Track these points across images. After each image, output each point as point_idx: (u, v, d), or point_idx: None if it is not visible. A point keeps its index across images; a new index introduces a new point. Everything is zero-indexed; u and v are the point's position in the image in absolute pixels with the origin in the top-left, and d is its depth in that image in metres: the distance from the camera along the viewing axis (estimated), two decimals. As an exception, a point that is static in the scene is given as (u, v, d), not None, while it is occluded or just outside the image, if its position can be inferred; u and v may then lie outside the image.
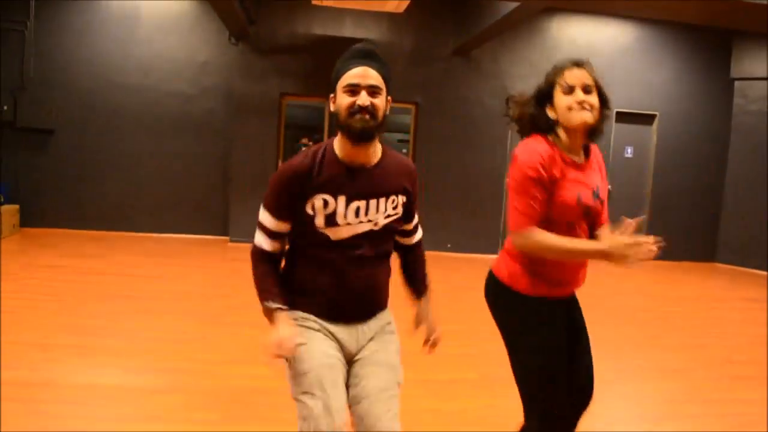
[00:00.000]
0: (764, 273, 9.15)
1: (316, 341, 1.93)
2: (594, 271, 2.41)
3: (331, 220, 1.91)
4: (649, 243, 1.91)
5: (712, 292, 7.83)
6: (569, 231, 2.09)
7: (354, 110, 1.88)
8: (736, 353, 5.11)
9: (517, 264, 2.15)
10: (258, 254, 2.05)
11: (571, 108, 2.07)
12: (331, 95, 1.96)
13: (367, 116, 1.88)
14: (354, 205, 1.93)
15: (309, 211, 1.91)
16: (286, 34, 8.64)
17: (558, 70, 2.14)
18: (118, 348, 4.14)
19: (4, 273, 5.97)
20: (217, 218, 9.00)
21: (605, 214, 2.23)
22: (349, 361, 1.99)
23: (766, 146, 9.31)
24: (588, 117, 2.07)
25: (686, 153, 9.61)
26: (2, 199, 8.23)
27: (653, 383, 4.18)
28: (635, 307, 6.68)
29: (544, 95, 2.16)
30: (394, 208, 2.01)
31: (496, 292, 2.21)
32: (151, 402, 3.32)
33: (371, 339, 2.02)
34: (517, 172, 2.06)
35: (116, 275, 6.34)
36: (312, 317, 1.98)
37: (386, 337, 2.06)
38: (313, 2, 7.13)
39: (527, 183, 2.03)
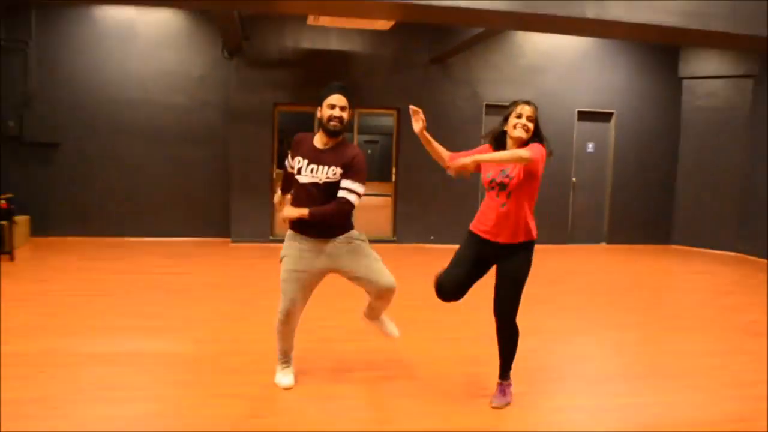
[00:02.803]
0: (712, 251, 10.61)
1: (291, 259, 3.78)
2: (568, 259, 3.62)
3: (299, 171, 3.69)
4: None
5: (665, 267, 9.22)
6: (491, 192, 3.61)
7: (331, 119, 3.62)
8: (683, 311, 6.44)
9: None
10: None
11: (515, 126, 3.53)
12: (319, 107, 3.67)
13: (337, 123, 3.63)
14: (311, 166, 3.66)
15: (296, 164, 3.73)
16: (278, 48, 9.72)
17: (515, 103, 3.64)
18: (180, 326, 5.20)
19: (43, 276, 6.96)
20: (218, 221, 10.02)
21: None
22: (332, 269, 3.76)
23: (712, 139, 10.78)
24: (523, 135, 3.53)
25: (642, 146, 11.02)
26: (15, 210, 9.09)
27: (614, 333, 5.45)
28: (599, 281, 7.97)
29: (504, 120, 3.65)
30: (333, 174, 3.63)
31: None
32: (226, 361, 4.40)
33: (345, 255, 3.71)
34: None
35: (145, 273, 7.35)
36: (294, 234, 3.76)
37: (355, 247, 3.73)
38: (309, 23, 8.22)
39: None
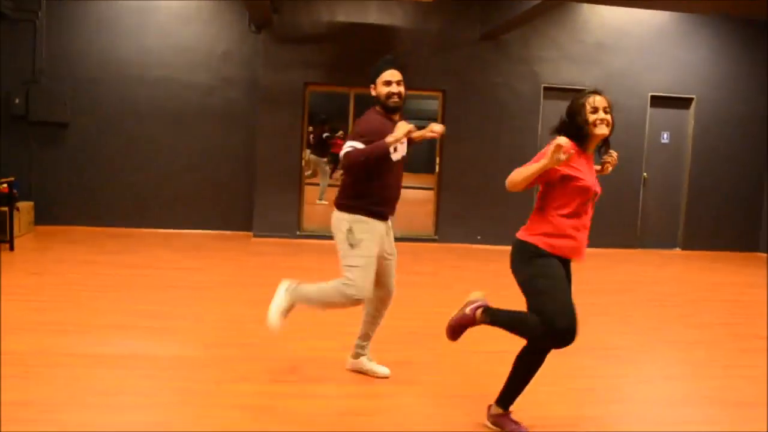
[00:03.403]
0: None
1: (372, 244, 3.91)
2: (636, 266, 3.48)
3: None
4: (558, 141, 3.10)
5: (747, 279, 8.87)
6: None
7: (389, 95, 3.93)
8: (762, 329, 6.17)
9: None
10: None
11: (596, 123, 3.28)
12: (372, 86, 3.99)
13: (398, 98, 3.95)
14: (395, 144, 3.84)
15: None
16: (310, 22, 9.70)
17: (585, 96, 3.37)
18: (186, 327, 5.21)
19: (42, 269, 7.09)
20: (239, 213, 10.07)
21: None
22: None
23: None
24: (607, 131, 3.33)
25: (726, 138, 10.65)
26: (17, 195, 9.28)
27: (681, 352, 5.26)
28: (668, 292, 7.73)
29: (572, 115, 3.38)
30: (406, 148, 4.07)
31: None
32: (235, 366, 4.37)
33: (388, 236, 4.08)
34: None
35: (155, 269, 7.42)
36: (366, 218, 3.89)
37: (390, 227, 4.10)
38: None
39: None
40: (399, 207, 4.16)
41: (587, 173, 3.31)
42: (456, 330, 3.54)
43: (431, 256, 9.19)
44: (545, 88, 10.17)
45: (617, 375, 4.68)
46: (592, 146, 3.37)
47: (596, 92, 3.37)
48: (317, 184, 11.45)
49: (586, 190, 3.27)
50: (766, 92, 10.68)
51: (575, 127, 3.32)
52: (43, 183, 9.78)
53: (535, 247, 3.29)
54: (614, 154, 3.49)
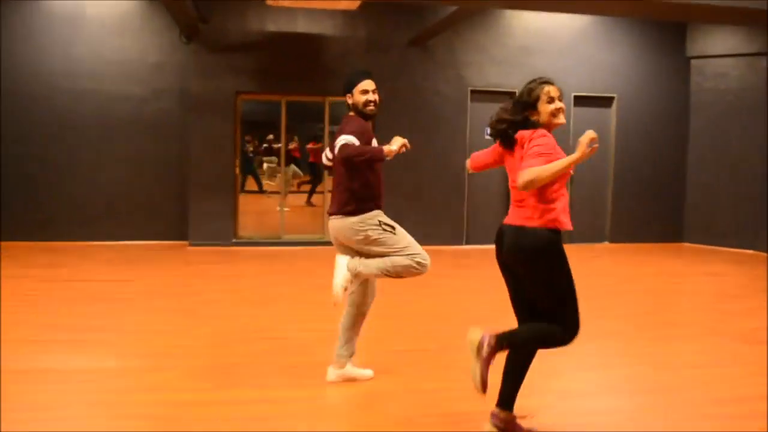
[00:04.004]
0: (729, 250, 10.52)
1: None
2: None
3: None
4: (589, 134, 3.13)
5: (671, 268, 9.13)
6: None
7: (367, 103, 4.12)
8: (679, 317, 6.37)
9: None
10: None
11: (554, 114, 3.35)
12: (348, 95, 4.15)
13: (374, 107, 4.16)
14: None
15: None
16: (239, 31, 9.68)
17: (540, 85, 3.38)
18: (111, 340, 5.14)
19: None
20: (175, 222, 9.99)
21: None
22: None
23: (725, 124, 10.69)
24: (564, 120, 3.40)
25: (647, 134, 10.94)
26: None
27: (596, 342, 5.38)
28: (592, 285, 7.88)
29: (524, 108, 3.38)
30: None
31: None
32: (147, 377, 4.35)
33: None
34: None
35: (86, 281, 7.32)
36: (379, 211, 4.17)
37: None
38: (267, 2, 8.20)
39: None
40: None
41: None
42: (486, 379, 3.36)
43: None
44: (472, 91, 10.32)
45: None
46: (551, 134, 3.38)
47: (548, 82, 3.38)
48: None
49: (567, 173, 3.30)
50: (682, 90, 10.99)
51: (525, 119, 3.35)
52: (-29, 199, 9.57)
53: (555, 232, 3.28)
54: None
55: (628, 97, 10.84)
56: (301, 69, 9.83)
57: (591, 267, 9.14)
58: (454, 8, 8.20)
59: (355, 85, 4.15)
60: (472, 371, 3.33)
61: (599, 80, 10.69)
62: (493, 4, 8.78)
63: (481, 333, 3.34)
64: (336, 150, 4.05)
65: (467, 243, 10.34)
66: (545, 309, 3.35)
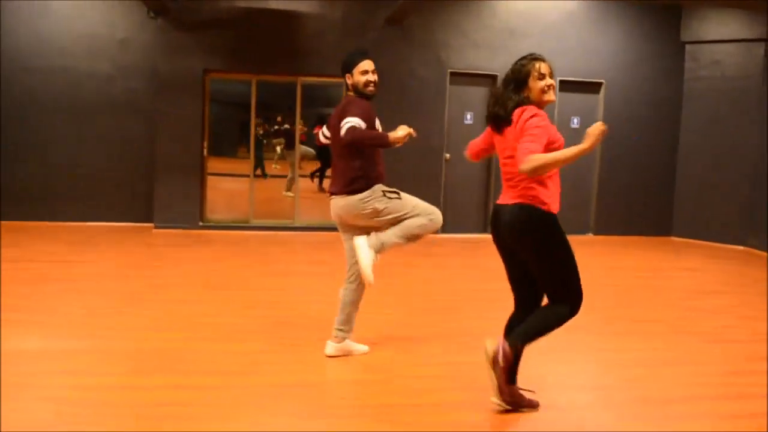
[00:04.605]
0: (717, 245, 10.48)
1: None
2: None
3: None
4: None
5: (653, 262, 9.11)
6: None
7: (367, 84, 4.36)
8: (649, 313, 6.34)
9: None
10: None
11: (545, 91, 3.48)
12: (348, 75, 4.38)
13: (374, 87, 4.41)
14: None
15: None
16: (209, 7, 9.69)
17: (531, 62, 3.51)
18: (40, 321, 5.22)
19: None
20: (142, 204, 10.05)
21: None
22: None
23: (719, 113, 10.63)
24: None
25: (636, 122, 10.89)
26: None
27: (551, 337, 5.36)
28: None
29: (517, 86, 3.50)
30: None
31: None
32: (69, 359, 4.41)
33: None
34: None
35: (38, 262, 7.43)
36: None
37: None
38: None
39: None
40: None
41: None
42: (509, 388, 3.56)
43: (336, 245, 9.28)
44: (452, 73, 10.29)
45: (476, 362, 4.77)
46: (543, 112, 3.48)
47: (539, 58, 3.51)
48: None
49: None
50: (675, 77, 10.92)
51: (521, 98, 3.45)
52: (-65, 176, 9.66)
53: (550, 213, 3.45)
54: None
55: (617, 83, 10.80)
56: (273, 47, 9.84)
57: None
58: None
59: (354, 65, 4.36)
60: (492, 384, 3.53)
61: (587, 65, 10.65)
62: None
63: (496, 343, 3.47)
64: (342, 132, 4.15)
65: (442, 232, 10.30)
66: (549, 283, 3.53)
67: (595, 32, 10.63)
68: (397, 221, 4.34)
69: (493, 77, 10.32)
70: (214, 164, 10.32)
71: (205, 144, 10.01)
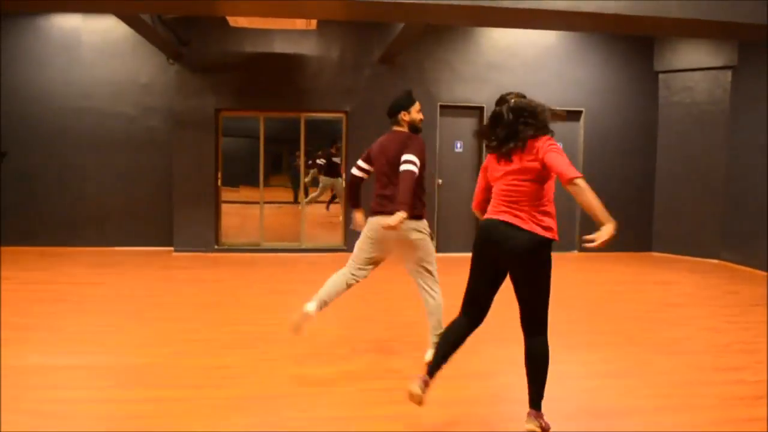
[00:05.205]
0: (694, 259, 10.25)
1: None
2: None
3: None
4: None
5: (625, 276, 8.93)
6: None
7: (421, 120, 4.74)
8: (607, 325, 6.16)
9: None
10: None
11: None
12: (404, 112, 4.63)
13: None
14: None
15: None
16: (219, 53, 9.84)
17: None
18: (40, 338, 5.30)
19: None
20: (162, 230, 10.16)
21: None
22: None
23: (692, 136, 10.44)
24: None
25: (615, 146, 10.75)
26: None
27: (508, 349, 5.25)
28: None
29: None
30: None
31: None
32: (56, 375, 4.46)
33: None
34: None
35: (57, 283, 7.56)
36: None
37: None
38: (231, 24, 8.32)
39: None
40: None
41: None
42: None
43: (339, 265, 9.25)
44: (441, 106, 10.27)
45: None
46: None
47: (509, 95, 3.54)
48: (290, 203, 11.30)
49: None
50: (650, 104, 10.77)
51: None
52: (-20, 208, 9.90)
53: (552, 241, 3.44)
54: None
55: (596, 111, 10.68)
56: (278, 86, 9.93)
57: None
58: (398, 27, 8.23)
59: (412, 104, 4.65)
60: None
61: (568, 95, 10.54)
62: (456, 22, 8.72)
63: (535, 422, 3.43)
64: (404, 168, 4.39)
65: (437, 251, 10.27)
66: (536, 306, 3.49)
67: (574, 63, 10.54)
68: (424, 260, 4.59)
69: (480, 108, 10.28)
70: (227, 193, 10.42)
71: (219, 175, 10.10)
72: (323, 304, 4.60)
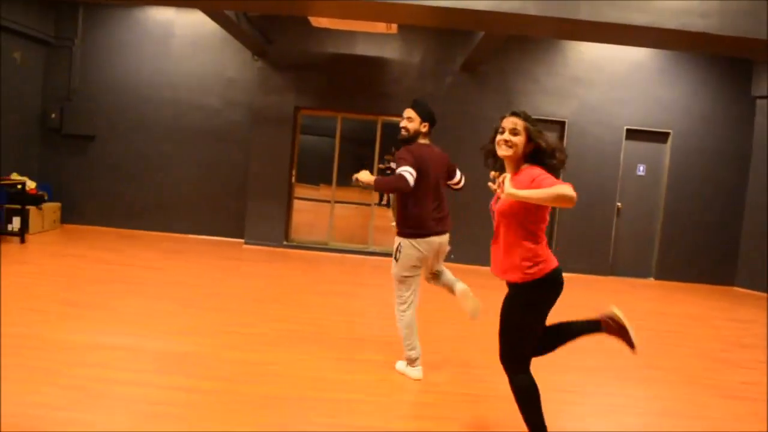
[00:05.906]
0: (781, 298, 9.53)
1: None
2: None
3: None
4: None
5: (700, 311, 8.35)
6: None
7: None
8: (667, 362, 5.79)
9: None
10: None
11: (498, 143, 3.18)
12: (425, 123, 4.57)
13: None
14: None
15: None
16: (302, 52, 9.93)
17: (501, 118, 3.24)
18: (91, 316, 5.44)
19: (32, 260, 7.50)
20: (235, 222, 10.35)
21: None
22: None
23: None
24: (508, 152, 3.15)
25: (704, 172, 10.12)
26: (46, 197, 9.90)
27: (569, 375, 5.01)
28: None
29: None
30: None
31: None
32: (101, 353, 4.55)
33: None
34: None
35: (122, 265, 7.76)
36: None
37: None
38: (313, 24, 8.37)
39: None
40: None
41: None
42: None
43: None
44: (520, 119, 9.95)
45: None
46: (509, 167, 3.22)
47: (512, 114, 3.20)
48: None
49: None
50: (744, 130, 10.10)
51: (489, 147, 3.29)
52: (70, 187, 10.37)
53: (548, 277, 3.18)
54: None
55: (684, 133, 10.10)
56: (358, 88, 9.93)
57: (614, 300, 8.53)
58: (479, 36, 8.04)
59: (435, 118, 4.69)
60: None
61: (655, 115, 10.03)
62: (539, 34, 8.43)
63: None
64: (461, 179, 5.05)
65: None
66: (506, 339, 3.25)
67: (664, 83, 10.01)
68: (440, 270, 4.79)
69: (561, 123, 9.94)
70: (304, 190, 10.52)
71: (294, 172, 10.19)
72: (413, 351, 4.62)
